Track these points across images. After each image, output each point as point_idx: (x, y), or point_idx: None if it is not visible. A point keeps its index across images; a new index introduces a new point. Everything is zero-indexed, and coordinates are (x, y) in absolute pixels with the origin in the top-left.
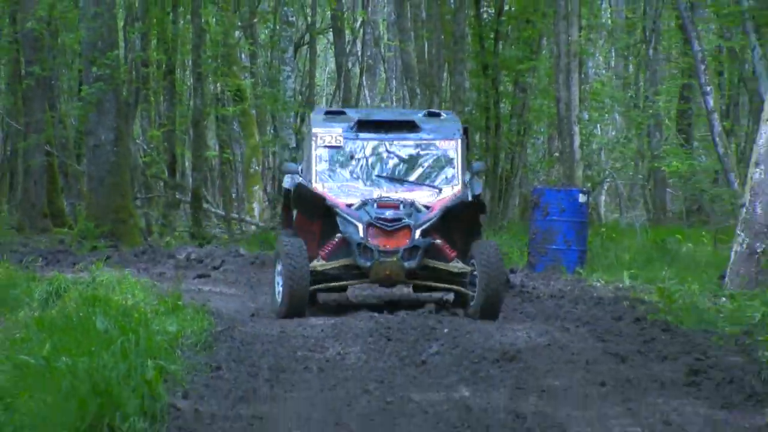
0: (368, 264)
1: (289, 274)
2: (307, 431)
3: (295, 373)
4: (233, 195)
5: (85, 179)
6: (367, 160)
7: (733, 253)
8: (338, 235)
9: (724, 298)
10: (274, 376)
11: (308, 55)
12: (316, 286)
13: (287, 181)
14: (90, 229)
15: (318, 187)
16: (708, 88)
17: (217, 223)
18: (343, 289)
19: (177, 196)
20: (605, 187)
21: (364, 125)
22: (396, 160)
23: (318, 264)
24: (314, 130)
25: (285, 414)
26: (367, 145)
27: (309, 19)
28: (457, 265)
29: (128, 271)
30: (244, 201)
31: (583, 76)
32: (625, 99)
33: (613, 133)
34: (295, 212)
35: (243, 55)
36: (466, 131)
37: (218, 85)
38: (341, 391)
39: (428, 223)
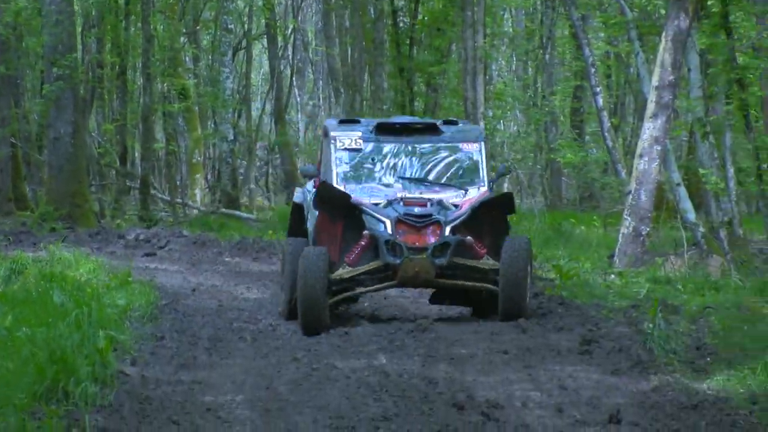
0: (398, 261)
1: (305, 286)
2: (241, 394)
3: (231, 343)
4: (178, 182)
5: (46, 168)
6: (388, 163)
7: (620, 235)
8: (365, 232)
9: (613, 276)
10: (212, 345)
11: (245, 59)
12: (338, 297)
13: (298, 196)
14: (49, 212)
15: (340, 188)
16: (598, 89)
17: (163, 207)
18: (349, 300)
19: (127, 183)
20: (508, 177)
21: (384, 129)
22: (419, 162)
23: (344, 272)
24: (332, 133)
25: (222, 379)
26: (387, 147)
27: (246, 26)
28: (488, 262)
29: (83, 250)
30: (188, 187)
31: (487, 77)
32: (524, 98)
33: (515, 129)
34: (315, 215)
35: (187, 58)
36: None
37: (165, 84)
38: (272, 358)
39: (459, 220)
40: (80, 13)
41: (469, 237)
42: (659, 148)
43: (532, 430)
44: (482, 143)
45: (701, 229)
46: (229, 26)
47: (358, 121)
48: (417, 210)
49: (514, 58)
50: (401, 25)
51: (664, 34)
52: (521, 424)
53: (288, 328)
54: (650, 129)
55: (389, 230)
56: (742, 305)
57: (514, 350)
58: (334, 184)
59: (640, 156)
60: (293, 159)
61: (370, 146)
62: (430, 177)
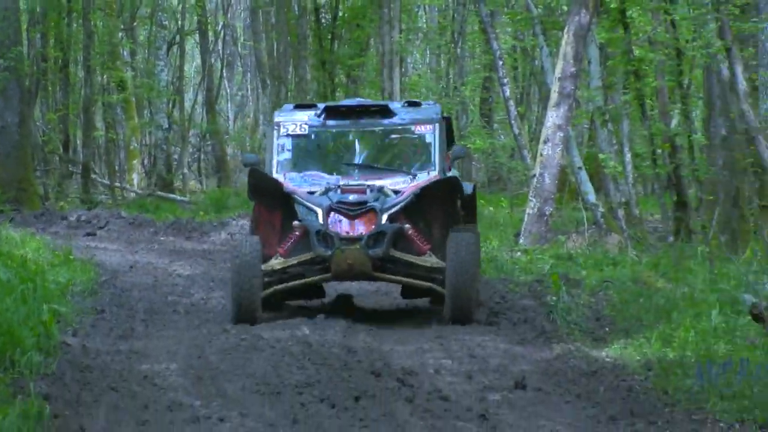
0: (328, 253)
1: (236, 277)
2: (175, 363)
3: (165, 315)
4: (116, 167)
5: None
6: (335, 149)
7: (526, 216)
8: (295, 222)
9: (519, 253)
10: (148, 317)
11: (179, 53)
12: (271, 289)
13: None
14: None
15: (278, 178)
16: (505, 80)
17: (103, 190)
18: (311, 292)
19: (70, 169)
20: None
21: (333, 112)
22: (367, 147)
23: (275, 262)
24: (276, 119)
25: (157, 349)
26: (334, 132)
27: (179, 22)
28: (429, 260)
29: (29, 231)
30: (126, 172)
31: (403, 70)
32: (437, 89)
33: None
34: (253, 204)
35: (125, 52)
36: (448, 121)
37: (104, 77)
38: (204, 330)
39: (396, 207)
40: (26, 10)
41: (407, 225)
42: (562, 134)
43: (444, 395)
44: (437, 125)
45: (600, 209)
46: (164, 22)
47: (315, 106)
48: (351, 197)
49: (428, 52)
50: (323, 21)
51: (566, 29)
52: (434, 390)
53: (218, 301)
54: (553, 117)
55: (320, 220)
56: (638, 279)
57: (427, 321)
58: (274, 173)
59: (545, 142)
60: (223, 146)
61: (316, 132)
62: (379, 162)
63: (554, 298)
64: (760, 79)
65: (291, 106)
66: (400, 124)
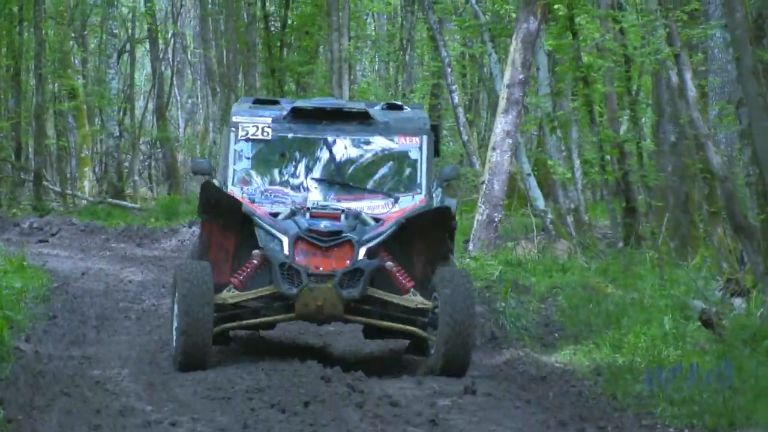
0: (293, 291)
1: (184, 312)
2: (127, 368)
3: (117, 321)
4: (68, 175)
5: None
6: (302, 159)
7: (475, 222)
8: (256, 252)
9: (468, 259)
10: (100, 323)
11: (129, 61)
12: (223, 326)
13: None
14: None
15: (234, 191)
16: (454, 87)
17: (55, 197)
18: (266, 325)
19: (22, 176)
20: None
21: (301, 114)
22: (341, 160)
23: (228, 295)
24: (235, 118)
25: (109, 354)
26: (302, 138)
27: (130, 31)
28: (414, 299)
29: None
30: (77, 179)
31: (352, 77)
32: (387, 96)
33: None
34: (201, 222)
35: (76, 60)
36: (434, 129)
37: (56, 84)
38: (155, 335)
39: (377, 240)
40: None
41: (389, 263)
42: (511, 141)
43: (394, 401)
44: (424, 137)
45: (550, 215)
46: (115, 31)
47: (277, 102)
48: (324, 225)
49: (377, 59)
50: (272, 29)
51: (514, 36)
52: (384, 395)
53: (169, 307)
54: (502, 123)
55: (286, 250)
56: (587, 285)
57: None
58: (228, 185)
59: (493, 148)
60: (174, 153)
61: (280, 136)
62: (354, 180)
63: (503, 303)
64: (709, 85)
65: (249, 100)
66: (383, 134)
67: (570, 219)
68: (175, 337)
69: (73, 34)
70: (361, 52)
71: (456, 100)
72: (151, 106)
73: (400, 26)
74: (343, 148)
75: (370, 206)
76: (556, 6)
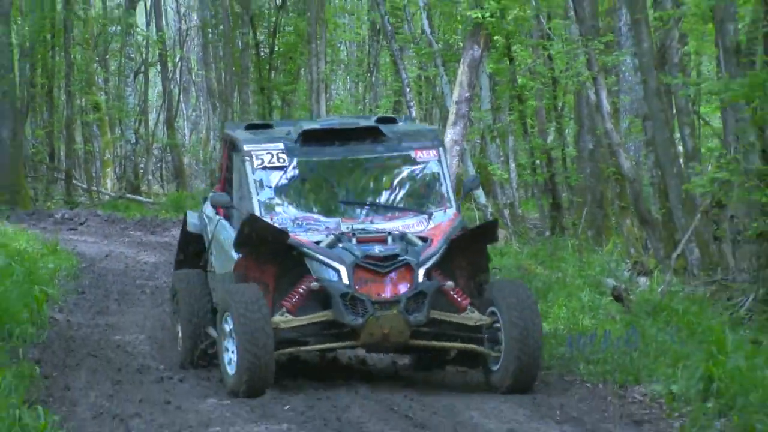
0: (359, 321)
1: (248, 336)
2: (143, 334)
3: (135, 295)
4: (93, 174)
5: None
6: (324, 183)
7: None
8: (314, 284)
9: None
10: (120, 297)
11: (143, 80)
12: (284, 351)
13: (193, 224)
14: None
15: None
16: (412, 103)
17: (82, 193)
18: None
19: (55, 175)
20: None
21: (312, 137)
22: (363, 179)
23: (281, 319)
24: (246, 147)
25: (128, 322)
26: (319, 161)
27: (144, 55)
28: (472, 316)
29: (22, 226)
30: (101, 178)
31: (328, 95)
32: (356, 111)
33: None
34: (233, 257)
35: (99, 80)
36: None
37: (83, 99)
38: (166, 306)
39: (433, 260)
40: (17, 45)
41: (449, 282)
42: (458, 148)
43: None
44: (441, 149)
45: (490, 209)
46: (131, 55)
47: (270, 126)
48: (378, 249)
49: (349, 80)
50: (262, 54)
51: (462, 61)
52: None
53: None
54: (451, 134)
55: (345, 279)
56: (521, 266)
57: None
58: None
59: None
60: (181, 157)
61: (297, 162)
62: (381, 199)
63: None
64: (620, 102)
65: (241, 125)
66: (399, 150)
67: (507, 212)
68: (235, 364)
69: (96, 58)
70: (336, 74)
71: (414, 114)
72: (162, 117)
73: (368, 53)
74: (363, 167)
75: (405, 225)
76: (495, 36)
